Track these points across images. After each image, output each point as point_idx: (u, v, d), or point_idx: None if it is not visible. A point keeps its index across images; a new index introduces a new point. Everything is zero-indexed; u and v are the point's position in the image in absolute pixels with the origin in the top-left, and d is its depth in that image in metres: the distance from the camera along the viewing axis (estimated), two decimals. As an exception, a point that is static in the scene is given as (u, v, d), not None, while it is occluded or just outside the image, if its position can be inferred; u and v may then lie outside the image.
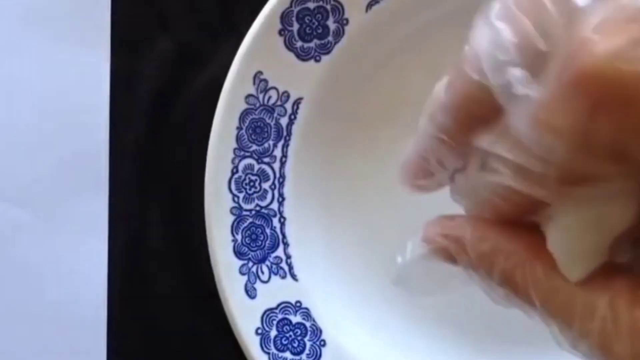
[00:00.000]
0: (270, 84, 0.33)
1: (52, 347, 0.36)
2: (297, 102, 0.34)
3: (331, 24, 0.33)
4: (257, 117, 0.33)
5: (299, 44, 0.33)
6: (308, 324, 0.34)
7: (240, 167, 0.33)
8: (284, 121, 0.34)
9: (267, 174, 0.34)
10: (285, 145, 0.34)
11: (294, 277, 0.34)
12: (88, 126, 0.37)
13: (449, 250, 0.21)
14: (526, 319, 0.19)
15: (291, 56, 0.33)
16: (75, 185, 0.37)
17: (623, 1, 0.15)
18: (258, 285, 0.33)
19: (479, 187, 0.20)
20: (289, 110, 0.34)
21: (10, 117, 0.37)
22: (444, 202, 0.34)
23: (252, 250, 0.33)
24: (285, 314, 0.33)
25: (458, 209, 0.35)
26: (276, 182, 0.34)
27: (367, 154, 0.35)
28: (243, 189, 0.33)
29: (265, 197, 0.34)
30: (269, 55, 0.33)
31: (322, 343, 0.34)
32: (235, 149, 0.33)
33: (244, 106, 0.33)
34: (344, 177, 0.35)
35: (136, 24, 0.37)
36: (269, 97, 0.33)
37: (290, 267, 0.34)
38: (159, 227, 0.37)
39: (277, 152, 0.34)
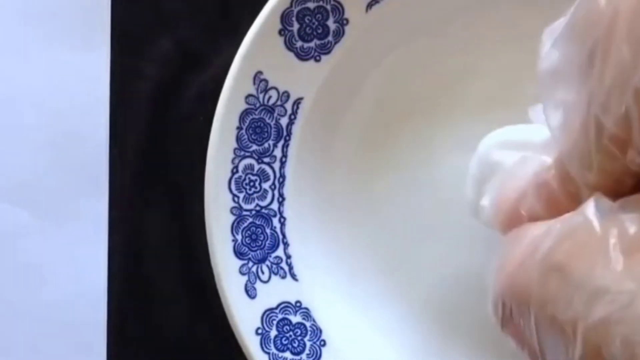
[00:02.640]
0: (270, 84, 0.33)
1: (52, 347, 0.36)
2: (297, 102, 0.34)
3: (331, 24, 0.33)
4: (257, 117, 0.33)
5: (299, 44, 0.33)
6: (308, 324, 0.34)
7: (240, 167, 0.33)
8: (284, 121, 0.34)
9: (267, 174, 0.34)
10: (285, 145, 0.34)
11: (294, 277, 0.34)
12: (88, 126, 0.37)
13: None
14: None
15: (291, 56, 0.33)
16: (75, 185, 0.37)
17: None
18: (258, 285, 0.33)
19: None
20: (289, 110, 0.34)
21: (10, 117, 0.37)
22: (443, 203, 0.35)
23: (252, 250, 0.33)
24: (285, 314, 0.33)
25: (457, 211, 0.35)
26: (276, 182, 0.34)
27: (367, 154, 0.35)
28: (243, 189, 0.33)
29: (265, 197, 0.34)
30: (269, 55, 0.33)
31: (322, 343, 0.34)
32: (235, 149, 0.33)
33: (244, 106, 0.33)
34: (344, 177, 0.35)
35: (136, 24, 0.37)
36: (269, 97, 0.33)
37: (290, 267, 0.34)
38: (158, 227, 0.37)
39: (277, 152, 0.34)
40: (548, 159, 0.22)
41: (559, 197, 0.21)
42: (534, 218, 0.22)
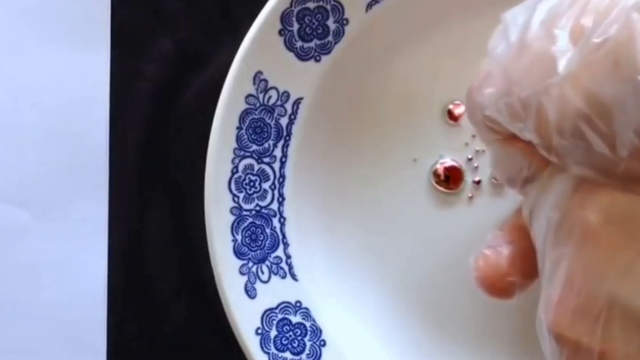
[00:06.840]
0: (270, 84, 0.33)
1: (52, 347, 0.36)
2: (297, 102, 0.34)
3: (331, 24, 0.33)
4: (257, 117, 0.33)
5: (299, 44, 0.33)
6: (308, 324, 0.34)
7: (240, 167, 0.33)
8: (284, 121, 0.34)
9: (267, 174, 0.34)
10: (285, 145, 0.34)
11: (294, 277, 0.34)
12: (88, 126, 0.37)
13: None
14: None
15: (291, 56, 0.33)
16: (75, 185, 0.37)
17: None
18: (258, 285, 0.33)
19: None
20: (289, 110, 0.34)
21: (10, 117, 0.37)
22: (445, 203, 0.35)
23: (252, 250, 0.33)
24: (285, 314, 0.33)
25: (457, 213, 0.35)
26: (276, 182, 0.34)
27: (367, 154, 0.35)
28: (243, 189, 0.33)
29: (265, 197, 0.34)
30: (269, 55, 0.33)
31: (322, 343, 0.34)
32: (235, 149, 0.33)
33: (244, 106, 0.33)
34: (344, 177, 0.35)
35: (136, 24, 0.37)
36: (269, 97, 0.33)
37: (290, 267, 0.34)
38: (158, 227, 0.37)
39: (277, 152, 0.34)
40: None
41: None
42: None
